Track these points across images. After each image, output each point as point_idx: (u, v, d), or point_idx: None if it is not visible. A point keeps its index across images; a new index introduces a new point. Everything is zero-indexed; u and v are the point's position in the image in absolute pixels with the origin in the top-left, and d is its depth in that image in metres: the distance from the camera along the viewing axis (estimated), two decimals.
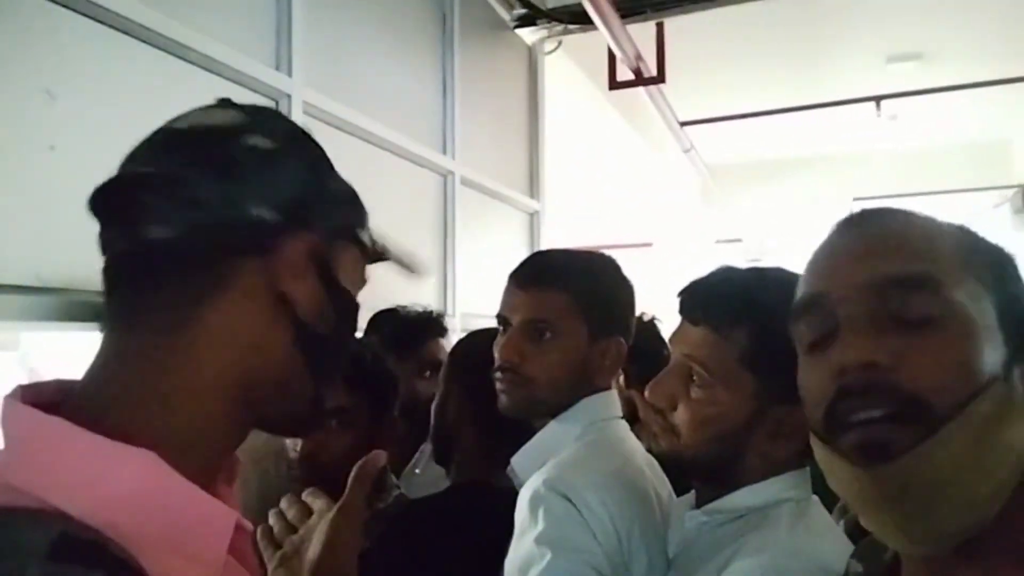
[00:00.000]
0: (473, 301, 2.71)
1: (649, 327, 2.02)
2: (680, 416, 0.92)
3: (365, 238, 0.65)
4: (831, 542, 0.86)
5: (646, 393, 0.95)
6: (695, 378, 0.91)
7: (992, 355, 0.56)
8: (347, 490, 0.79)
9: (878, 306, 0.58)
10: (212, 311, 0.54)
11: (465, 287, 2.68)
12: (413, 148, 2.37)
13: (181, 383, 0.53)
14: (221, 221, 0.54)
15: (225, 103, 0.61)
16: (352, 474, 0.80)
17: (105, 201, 0.55)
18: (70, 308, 1.26)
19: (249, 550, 0.61)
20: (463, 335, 1.38)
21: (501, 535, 1.09)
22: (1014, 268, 0.63)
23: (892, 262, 0.59)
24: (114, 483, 0.47)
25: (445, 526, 1.16)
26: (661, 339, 1.89)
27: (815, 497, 0.93)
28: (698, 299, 0.95)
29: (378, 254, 0.67)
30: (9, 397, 0.51)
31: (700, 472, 0.95)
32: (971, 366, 0.55)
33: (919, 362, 0.55)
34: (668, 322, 1.58)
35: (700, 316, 0.93)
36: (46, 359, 1.30)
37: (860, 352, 0.56)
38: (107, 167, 1.41)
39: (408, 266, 0.73)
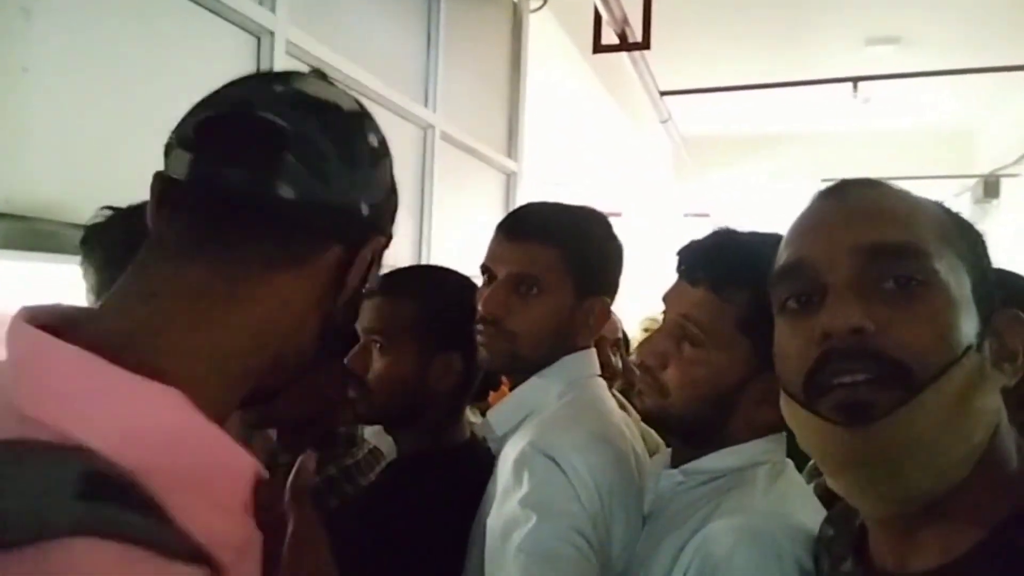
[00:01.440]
0: (447, 257, 2.69)
1: None
2: (670, 375, 0.92)
3: (391, 228, 0.66)
4: (805, 505, 0.88)
5: (637, 351, 0.95)
6: (689, 338, 0.92)
7: (968, 325, 0.58)
8: (293, 515, 0.81)
9: (865, 272, 0.59)
10: (284, 279, 0.55)
11: (440, 242, 2.65)
12: (395, 98, 2.32)
13: (226, 337, 0.52)
14: (340, 206, 0.57)
15: (321, 75, 0.61)
16: (287, 496, 0.81)
17: (228, 131, 0.54)
18: (38, 237, 1.22)
19: (260, 503, 0.59)
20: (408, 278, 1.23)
21: (477, 496, 1.09)
22: (984, 245, 0.65)
23: (879, 230, 0.60)
24: (140, 419, 0.45)
25: (437, 491, 1.12)
26: None
27: (790, 461, 0.95)
28: (700, 260, 0.94)
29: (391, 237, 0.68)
30: (18, 319, 0.48)
31: (684, 431, 0.96)
32: (950, 335, 0.57)
33: (903, 329, 0.57)
34: (634, 290, 1.59)
35: (701, 276, 0.92)
36: (14, 288, 1.26)
37: (848, 317, 0.57)
38: (83, 91, 1.35)
39: None
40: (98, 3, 1.31)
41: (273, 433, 1.22)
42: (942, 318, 0.57)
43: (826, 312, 0.59)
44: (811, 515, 0.84)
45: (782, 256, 0.67)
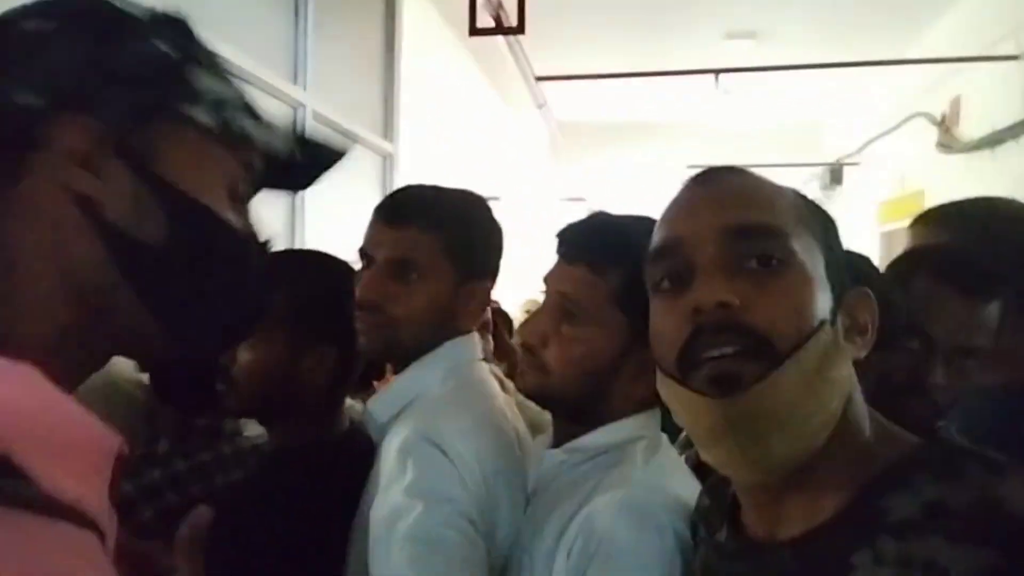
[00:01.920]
0: (322, 241, 2.60)
1: None
2: (551, 353, 0.94)
3: (205, 115, 0.53)
4: (681, 478, 0.92)
5: (517, 331, 0.96)
6: (568, 315, 0.93)
7: (822, 301, 0.63)
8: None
9: (730, 251, 0.63)
10: (15, 221, 0.47)
11: (314, 227, 2.56)
12: (261, 74, 2.21)
13: (20, 296, 0.47)
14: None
15: None
16: (175, 546, 0.78)
17: None
18: None
19: (117, 479, 0.55)
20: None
21: (358, 487, 1.06)
22: (835, 228, 0.71)
23: (742, 212, 0.64)
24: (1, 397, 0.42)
25: (315, 483, 1.08)
26: None
27: (664, 435, 0.99)
28: (576, 239, 0.96)
29: (237, 134, 0.54)
30: None
31: (565, 408, 0.97)
32: (806, 311, 0.61)
33: (765, 304, 0.61)
34: (514, 274, 1.59)
35: (576, 255, 0.94)
36: None
37: (715, 293, 0.61)
38: None
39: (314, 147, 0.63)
40: None
41: None
42: (800, 294, 0.61)
43: (695, 289, 0.62)
44: (687, 487, 0.88)
45: (655, 238, 0.69)
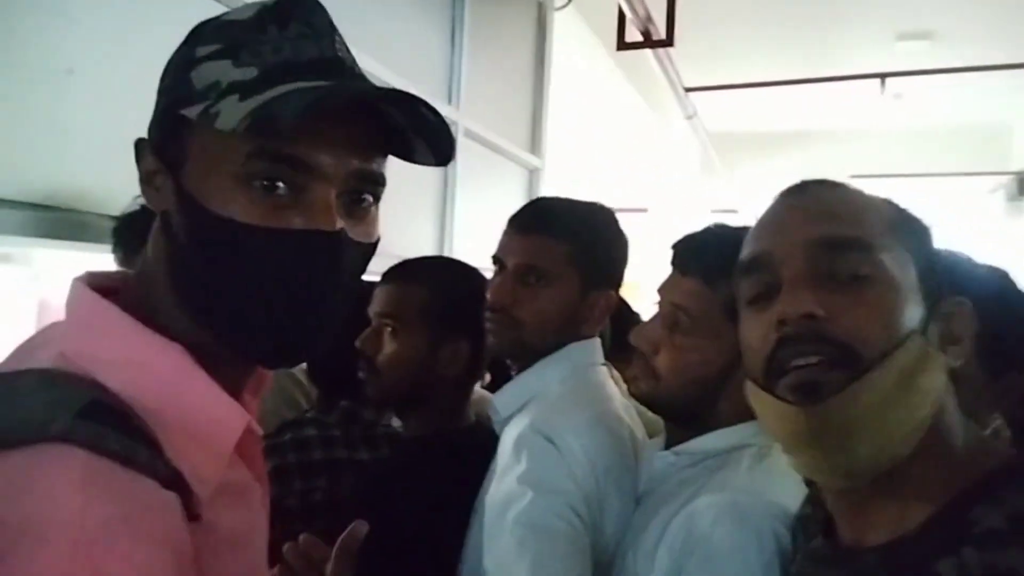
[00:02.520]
0: (470, 254, 2.75)
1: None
2: (662, 360, 0.98)
3: (201, 112, 0.52)
4: (786, 485, 0.92)
5: (631, 337, 1.01)
6: (680, 325, 0.97)
7: (912, 312, 0.63)
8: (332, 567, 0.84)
9: (816, 265, 0.64)
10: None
11: (463, 240, 2.72)
12: (419, 95, 2.39)
13: (166, 283, 0.59)
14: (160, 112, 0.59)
15: None
16: (334, 550, 0.85)
17: None
18: (80, 227, 1.31)
19: (259, 455, 0.66)
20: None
21: (480, 476, 1.16)
22: (931, 238, 0.70)
23: (829, 226, 0.66)
24: (146, 368, 0.54)
25: (444, 470, 1.19)
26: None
27: (776, 444, 1.00)
28: (690, 251, 1.00)
29: (267, 122, 0.49)
30: (77, 280, 0.58)
31: (675, 414, 1.01)
32: (894, 321, 0.62)
33: (851, 315, 0.62)
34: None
35: (691, 267, 0.98)
36: (56, 275, 1.36)
37: (800, 304, 0.62)
38: (123, 91, 1.44)
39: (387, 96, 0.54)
40: (137, 5, 1.39)
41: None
42: (887, 306, 0.62)
43: (782, 300, 0.64)
44: (792, 495, 0.89)
45: (745, 251, 0.72)
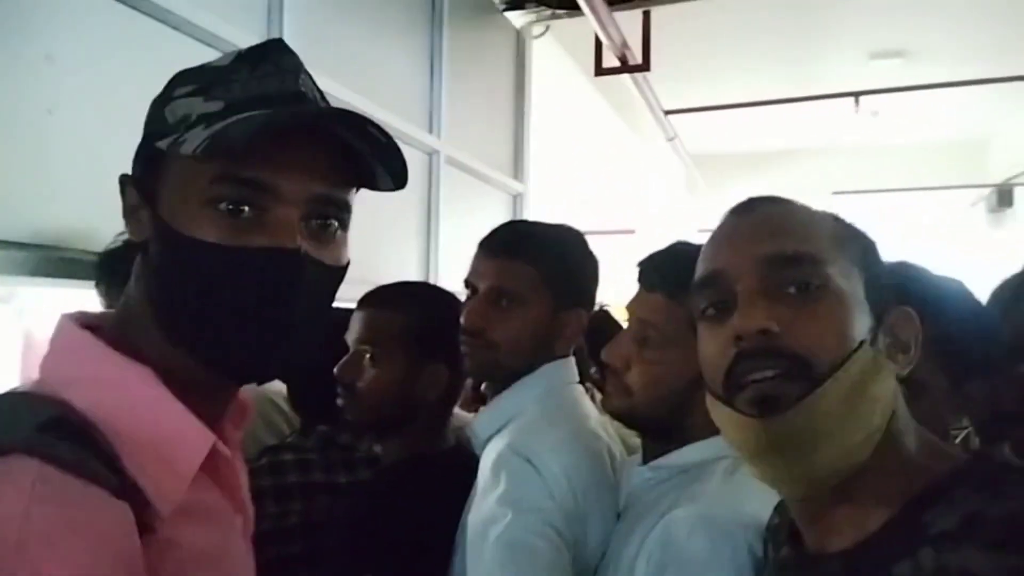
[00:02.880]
0: (455, 282, 2.78)
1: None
2: (633, 376, 1.00)
3: (171, 143, 0.57)
4: (758, 497, 0.93)
5: (602, 354, 1.03)
6: (649, 340, 1.00)
7: (861, 322, 0.65)
8: None
9: (768, 280, 0.67)
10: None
11: (447, 268, 2.74)
12: (399, 125, 2.43)
13: (145, 310, 0.62)
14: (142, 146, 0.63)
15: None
16: None
17: None
18: (64, 265, 1.33)
19: (237, 483, 0.67)
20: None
21: (463, 498, 1.17)
22: (876, 252, 0.72)
23: (778, 243, 0.68)
24: (113, 388, 0.57)
25: (426, 494, 1.20)
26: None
27: None
28: (654, 268, 1.03)
29: (203, 147, 0.53)
30: (64, 315, 0.61)
31: (649, 427, 1.03)
32: (844, 332, 0.64)
33: (804, 328, 0.64)
34: None
35: (656, 283, 1.01)
36: (40, 313, 1.37)
37: (755, 320, 0.65)
38: (103, 129, 1.47)
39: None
40: (116, 46, 1.43)
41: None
42: (837, 317, 0.65)
43: (737, 316, 0.66)
44: (764, 505, 0.90)
45: (699, 269, 0.74)
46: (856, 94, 4.34)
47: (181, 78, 0.62)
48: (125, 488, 0.52)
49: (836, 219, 0.73)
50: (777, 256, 0.67)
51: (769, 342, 0.64)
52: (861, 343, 0.64)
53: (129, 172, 0.63)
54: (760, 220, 0.71)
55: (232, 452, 0.65)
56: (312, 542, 1.24)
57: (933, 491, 0.62)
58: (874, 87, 4.82)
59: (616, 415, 1.05)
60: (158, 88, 0.64)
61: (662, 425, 1.01)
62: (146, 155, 0.60)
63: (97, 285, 1.24)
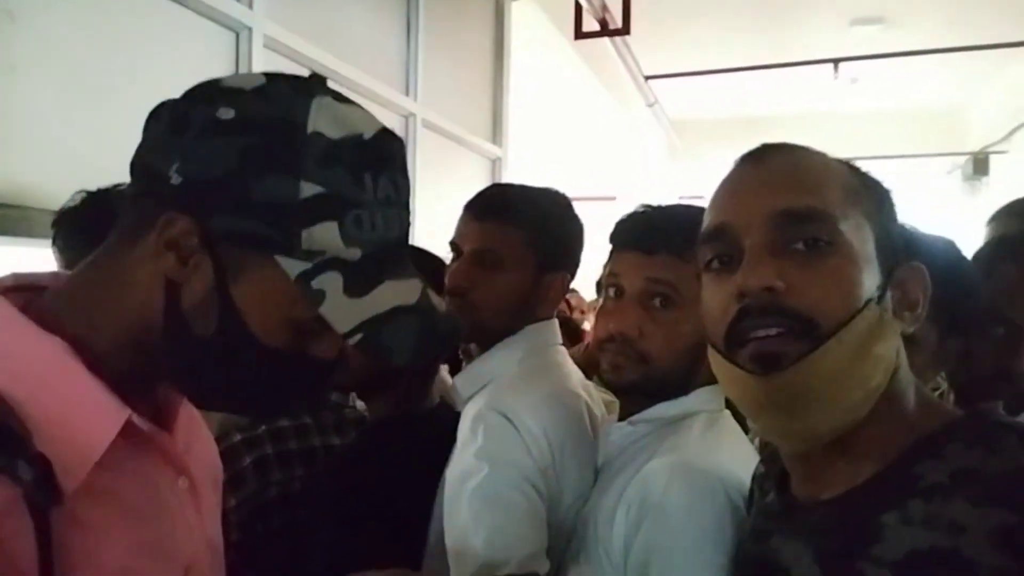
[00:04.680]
0: (432, 242, 2.76)
1: None
2: (651, 340, 0.98)
3: (299, 269, 0.56)
4: (736, 447, 0.96)
5: (612, 325, 1.00)
6: (662, 301, 0.98)
7: (869, 280, 0.64)
8: None
9: (776, 236, 0.65)
10: (131, 253, 0.58)
11: (424, 231, 2.72)
12: (375, 88, 2.39)
13: (103, 308, 0.59)
14: (143, 165, 0.58)
15: (278, 76, 0.60)
16: None
17: None
18: (25, 223, 1.29)
19: (173, 444, 0.65)
20: None
21: (445, 456, 1.17)
22: (891, 203, 0.70)
23: (788, 197, 0.65)
24: (23, 360, 0.54)
25: (409, 452, 1.19)
26: None
27: (727, 411, 1.03)
28: (655, 230, 1.00)
29: (316, 295, 0.57)
30: None
31: (661, 389, 1.00)
32: (852, 291, 0.63)
33: (809, 286, 0.63)
34: None
35: (660, 245, 0.98)
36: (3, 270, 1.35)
37: (760, 278, 0.63)
38: (67, 88, 1.43)
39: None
40: (80, 4, 1.38)
41: None
42: (845, 276, 0.63)
43: (742, 272, 0.64)
44: (741, 457, 0.92)
45: (706, 220, 0.72)
46: (836, 60, 4.33)
47: (305, 146, 0.56)
48: (30, 465, 0.49)
49: (851, 169, 0.70)
50: (787, 211, 0.65)
51: (773, 299, 0.62)
52: (868, 301, 0.63)
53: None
54: (771, 171, 0.68)
55: (177, 414, 0.66)
56: (312, 506, 1.24)
57: (926, 445, 0.62)
58: (854, 54, 4.82)
59: (632, 385, 1.01)
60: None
61: (681, 382, 1.00)
62: (247, 239, 0.56)
63: (54, 243, 1.20)
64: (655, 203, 1.07)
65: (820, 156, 0.70)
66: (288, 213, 0.56)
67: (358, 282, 0.58)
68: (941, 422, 0.64)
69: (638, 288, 1.00)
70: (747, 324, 0.64)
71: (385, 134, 0.61)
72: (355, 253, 0.58)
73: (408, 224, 0.65)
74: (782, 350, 0.62)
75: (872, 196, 0.69)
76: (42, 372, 0.55)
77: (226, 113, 0.55)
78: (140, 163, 0.59)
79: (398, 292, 0.61)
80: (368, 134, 0.59)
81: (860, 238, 0.65)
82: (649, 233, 1.02)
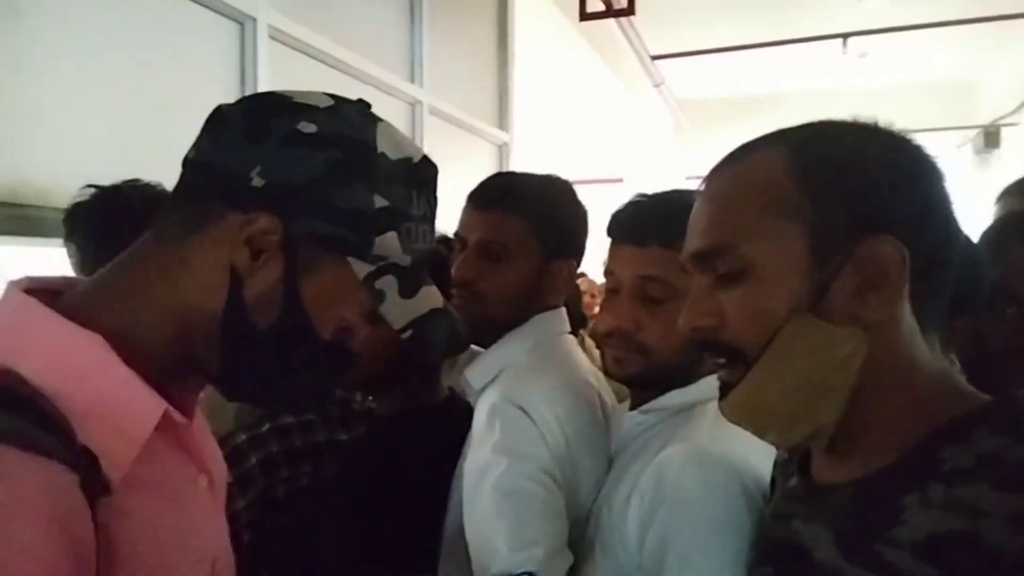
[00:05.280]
0: (440, 228, 2.76)
1: None
2: (650, 334, 0.99)
3: (366, 271, 0.63)
4: (747, 435, 0.96)
5: (610, 320, 1.01)
6: (659, 293, 0.98)
7: (790, 291, 0.63)
8: None
9: (701, 274, 0.69)
10: (191, 244, 0.61)
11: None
12: (381, 76, 2.38)
13: (150, 299, 0.61)
14: (223, 167, 0.61)
15: (341, 98, 0.66)
16: None
17: None
18: (33, 223, 1.30)
19: (194, 440, 0.66)
20: None
21: (459, 447, 1.18)
22: (869, 170, 0.64)
23: (694, 239, 0.70)
24: (62, 356, 0.56)
25: (421, 446, 1.20)
26: None
27: None
28: (647, 222, 1.00)
29: (378, 296, 0.64)
30: (13, 284, 0.59)
31: (668, 380, 1.01)
32: (765, 312, 0.64)
33: (732, 317, 0.66)
34: None
35: (651, 237, 0.99)
36: (14, 270, 1.35)
37: (688, 319, 0.69)
38: (74, 84, 1.44)
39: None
40: (85, 1, 1.38)
41: None
42: (754, 301, 0.65)
43: (681, 314, 0.71)
44: (751, 443, 0.92)
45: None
46: (844, 35, 4.28)
47: (375, 165, 0.63)
48: (77, 457, 0.51)
49: (786, 162, 0.65)
50: (694, 254, 0.69)
51: (709, 336, 0.68)
52: (790, 313, 0.63)
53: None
54: (697, 207, 0.71)
55: (192, 415, 0.67)
56: (321, 502, 1.25)
57: (951, 429, 0.61)
58: (862, 28, 4.76)
59: (633, 378, 1.02)
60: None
61: (683, 372, 1.00)
62: (326, 240, 0.62)
63: (68, 239, 1.21)
64: (650, 191, 1.07)
65: (739, 173, 0.68)
66: (365, 220, 0.63)
67: (408, 285, 0.66)
68: (967, 407, 0.63)
69: (631, 284, 1.01)
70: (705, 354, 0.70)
71: (426, 160, 0.69)
72: (407, 260, 0.66)
73: (434, 238, 0.72)
74: (727, 380, 0.68)
75: (816, 182, 0.63)
76: (81, 366, 0.56)
77: (308, 127, 0.62)
78: (204, 162, 0.63)
79: (432, 296, 0.69)
80: (416, 158, 0.67)
81: (777, 248, 0.63)
82: (640, 225, 1.02)
